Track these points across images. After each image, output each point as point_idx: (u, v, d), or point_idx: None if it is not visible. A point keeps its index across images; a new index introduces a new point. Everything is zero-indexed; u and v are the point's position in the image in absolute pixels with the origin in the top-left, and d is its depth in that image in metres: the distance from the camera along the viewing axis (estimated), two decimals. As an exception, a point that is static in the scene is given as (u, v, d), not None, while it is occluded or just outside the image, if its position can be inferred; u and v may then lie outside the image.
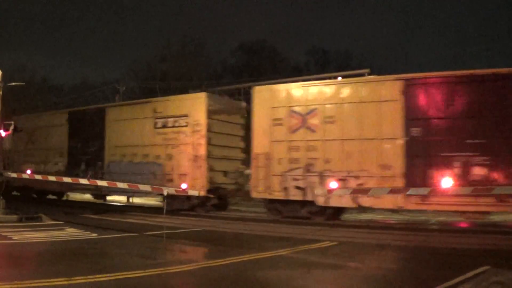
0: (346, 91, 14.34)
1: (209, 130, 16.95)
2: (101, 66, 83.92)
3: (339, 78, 15.66)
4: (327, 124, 14.40)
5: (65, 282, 6.37)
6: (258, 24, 78.98)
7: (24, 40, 75.32)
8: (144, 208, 19.75)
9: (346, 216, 16.56)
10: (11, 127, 16.76)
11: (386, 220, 15.46)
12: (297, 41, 72.11)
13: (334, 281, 7.29)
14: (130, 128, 19.08)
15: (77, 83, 50.93)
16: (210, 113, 17.08)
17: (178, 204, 17.08)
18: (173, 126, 17.64)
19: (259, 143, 15.50)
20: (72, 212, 16.98)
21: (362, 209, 14.46)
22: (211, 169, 16.95)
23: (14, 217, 13.90)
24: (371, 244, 10.57)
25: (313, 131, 14.62)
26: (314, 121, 14.63)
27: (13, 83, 24.72)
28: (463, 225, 14.57)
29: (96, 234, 11.50)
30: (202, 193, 16.46)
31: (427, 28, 74.84)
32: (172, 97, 19.02)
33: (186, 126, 17.24)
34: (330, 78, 16.14)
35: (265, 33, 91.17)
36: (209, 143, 16.91)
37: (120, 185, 15.46)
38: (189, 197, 16.90)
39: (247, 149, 18.75)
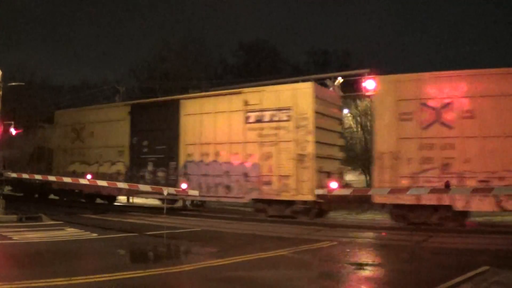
0: (485, 83, 12.98)
1: (315, 125, 14.92)
2: (101, 66, 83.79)
3: (339, 78, 15.62)
4: (465, 119, 12.93)
5: (65, 282, 6.37)
6: (258, 24, 79.02)
7: (24, 40, 75.26)
8: (144, 208, 19.74)
9: (345, 216, 16.57)
10: (11, 127, 16.73)
11: (386, 220, 15.43)
12: (297, 41, 72.13)
13: (334, 281, 7.28)
14: (213, 123, 16.68)
15: (77, 83, 50.98)
16: (316, 106, 14.98)
17: (275, 211, 15.27)
18: (271, 121, 15.36)
19: (384, 140, 13.77)
20: (72, 212, 16.96)
21: (506, 212, 13.14)
22: (318, 170, 14.91)
23: (14, 217, 13.90)
24: (371, 244, 10.58)
25: (449, 127, 13.11)
26: (449, 115, 13.12)
27: (13, 83, 24.60)
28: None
29: (96, 234, 11.49)
30: (310, 197, 14.44)
31: (427, 28, 74.85)
32: (269, 87, 16.31)
33: (288, 120, 15.03)
34: (330, 78, 16.08)
35: (265, 33, 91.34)
36: (316, 140, 14.89)
37: (120, 185, 15.41)
38: (291, 203, 14.95)
39: (343, 147, 17.24)
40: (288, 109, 15.07)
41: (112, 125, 19.78)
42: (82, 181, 16.02)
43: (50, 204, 20.55)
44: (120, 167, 19.24)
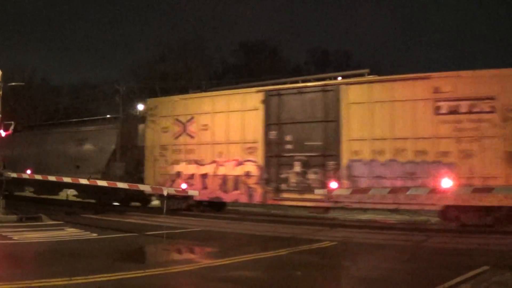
0: None
1: None
2: (101, 66, 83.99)
3: (339, 78, 15.51)
4: None
5: (65, 282, 6.37)
6: (258, 24, 79.11)
7: (24, 40, 75.39)
8: (144, 208, 19.69)
9: (346, 216, 16.57)
10: (11, 127, 16.66)
11: (386, 220, 15.45)
12: (297, 41, 72.25)
13: (334, 281, 7.29)
14: (389, 113, 13.92)
15: (77, 83, 51.10)
16: None
17: (472, 219, 13.06)
18: (470, 112, 13.04)
19: None
20: (72, 212, 16.96)
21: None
22: None
23: (14, 217, 13.90)
24: (371, 244, 10.57)
25: None
26: None
27: (13, 83, 24.47)
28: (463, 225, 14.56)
29: (96, 234, 11.49)
30: None
31: (427, 27, 74.89)
32: (466, 72, 13.65)
33: (492, 112, 12.82)
34: (330, 78, 15.86)
35: (265, 33, 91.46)
36: None
37: (120, 185, 15.26)
38: (493, 209, 12.78)
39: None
40: (491, 98, 12.87)
41: (236, 116, 16.27)
42: (82, 181, 15.57)
43: (49, 204, 20.52)
44: (251, 167, 15.87)
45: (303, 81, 16.11)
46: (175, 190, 14.13)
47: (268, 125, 15.68)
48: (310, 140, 14.97)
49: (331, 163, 14.53)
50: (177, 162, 17.41)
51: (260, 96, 15.93)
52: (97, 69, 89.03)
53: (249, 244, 10.42)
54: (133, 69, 45.56)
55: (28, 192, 24.35)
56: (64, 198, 23.58)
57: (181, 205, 17.42)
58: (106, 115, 26.56)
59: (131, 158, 19.65)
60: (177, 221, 14.43)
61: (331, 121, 14.66)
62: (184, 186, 15.19)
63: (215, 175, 16.47)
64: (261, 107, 15.81)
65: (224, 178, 16.26)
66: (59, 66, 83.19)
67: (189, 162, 17.11)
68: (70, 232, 11.83)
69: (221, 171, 16.38)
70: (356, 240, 11.16)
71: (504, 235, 11.57)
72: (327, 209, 15.14)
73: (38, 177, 16.75)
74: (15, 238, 10.50)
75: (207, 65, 44.09)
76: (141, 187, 15.10)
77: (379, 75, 15.15)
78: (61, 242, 10.36)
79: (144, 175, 18.22)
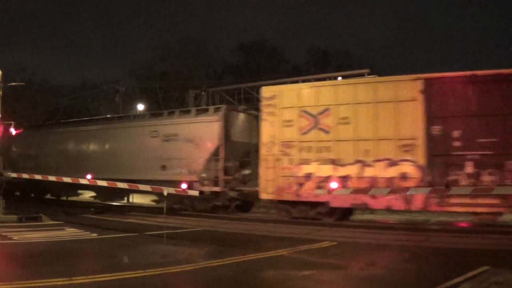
0: None
1: None
2: (101, 66, 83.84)
3: (339, 78, 15.51)
4: None
5: (65, 282, 6.37)
6: (258, 24, 79.03)
7: (24, 40, 75.26)
8: (144, 208, 19.69)
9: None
10: (11, 127, 16.66)
11: (386, 220, 15.45)
12: (297, 41, 72.18)
13: (334, 281, 7.28)
14: None
15: (77, 83, 51.08)
16: None
17: None
18: None
19: None
20: (72, 212, 16.97)
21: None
22: None
23: (14, 217, 13.91)
24: (371, 244, 10.57)
25: None
26: None
27: (13, 83, 24.36)
28: (463, 225, 14.57)
29: (96, 234, 11.50)
30: None
31: (427, 28, 74.92)
32: None
33: None
34: (330, 78, 15.86)
35: (265, 33, 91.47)
36: None
37: (120, 185, 15.22)
38: None
39: None
40: None
41: (387, 107, 14.01)
42: (82, 181, 15.40)
43: (50, 204, 20.52)
44: (408, 168, 13.61)
45: (303, 81, 16.10)
46: (175, 190, 13.93)
47: (430, 119, 13.49)
48: (483, 136, 12.94)
49: (510, 163, 12.59)
50: (306, 162, 14.95)
51: (418, 84, 13.69)
52: (97, 69, 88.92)
53: (249, 244, 10.41)
54: (133, 69, 45.50)
55: (88, 197, 23.04)
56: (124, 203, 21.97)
57: (308, 213, 15.21)
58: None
59: (233, 156, 17.37)
60: (177, 221, 14.43)
61: (510, 114, 12.75)
62: (184, 186, 15.02)
63: (359, 178, 14.08)
64: (419, 97, 13.61)
65: (373, 181, 13.88)
66: (59, 66, 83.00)
67: (323, 162, 14.67)
68: (70, 232, 11.84)
69: (368, 172, 13.99)
70: (356, 240, 11.16)
71: (504, 235, 11.57)
72: (500, 215, 13.32)
73: (38, 177, 16.65)
74: (15, 238, 10.50)
75: (207, 65, 44.05)
76: (141, 187, 15.02)
77: (379, 75, 15.13)
78: (61, 242, 10.37)
79: (259, 177, 15.77)
